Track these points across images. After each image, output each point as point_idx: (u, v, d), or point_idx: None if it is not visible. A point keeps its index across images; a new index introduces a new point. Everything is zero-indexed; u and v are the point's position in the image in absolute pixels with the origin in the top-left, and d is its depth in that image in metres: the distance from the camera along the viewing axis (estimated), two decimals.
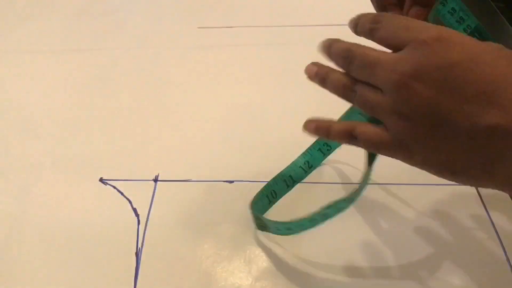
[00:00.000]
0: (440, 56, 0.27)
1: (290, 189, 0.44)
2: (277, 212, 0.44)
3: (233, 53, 0.63)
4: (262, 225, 0.41)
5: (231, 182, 0.47)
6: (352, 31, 0.33)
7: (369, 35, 0.31)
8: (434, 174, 0.29)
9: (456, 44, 0.27)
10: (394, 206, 0.44)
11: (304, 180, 0.46)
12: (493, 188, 0.28)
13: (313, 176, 0.46)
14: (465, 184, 0.29)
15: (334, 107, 0.54)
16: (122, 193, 0.46)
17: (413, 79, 0.27)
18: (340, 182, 0.46)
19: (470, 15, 0.31)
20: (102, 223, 0.44)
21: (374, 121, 0.31)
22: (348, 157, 0.48)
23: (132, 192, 0.46)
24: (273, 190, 0.43)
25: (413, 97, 0.27)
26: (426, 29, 0.28)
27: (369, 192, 0.45)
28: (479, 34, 0.31)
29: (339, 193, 0.45)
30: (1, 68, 0.63)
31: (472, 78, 0.26)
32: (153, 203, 0.45)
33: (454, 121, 0.26)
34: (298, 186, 0.45)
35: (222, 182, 0.47)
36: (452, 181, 0.29)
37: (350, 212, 0.44)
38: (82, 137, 0.52)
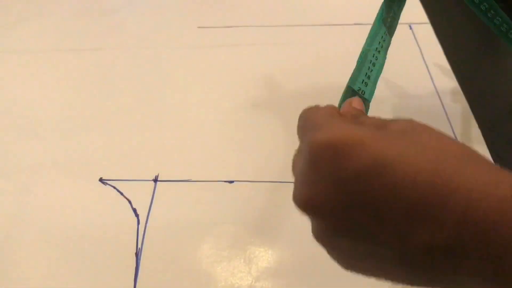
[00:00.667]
0: (335, 170, 0.21)
1: None
2: (277, 212, 0.44)
3: (233, 53, 0.63)
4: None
5: (231, 182, 0.47)
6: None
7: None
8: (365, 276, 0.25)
9: (355, 147, 0.20)
10: None
11: None
12: None
13: None
14: None
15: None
16: (122, 193, 0.46)
17: (313, 209, 0.22)
18: None
19: None
20: (102, 223, 0.44)
21: None
22: None
23: (132, 192, 0.46)
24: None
25: (321, 223, 0.23)
26: (312, 134, 0.22)
27: None
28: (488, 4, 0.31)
29: None
30: (1, 68, 0.63)
31: (385, 188, 0.20)
32: (153, 203, 0.45)
33: (375, 246, 0.21)
34: None
35: (222, 182, 0.47)
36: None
37: None
38: (82, 137, 0.52)
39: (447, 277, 0.20)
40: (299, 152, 0.25)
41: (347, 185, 0.21)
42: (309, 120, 0.26)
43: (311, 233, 0.25)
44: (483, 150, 0.49)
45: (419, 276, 0.21)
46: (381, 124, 0.23)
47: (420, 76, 0.58)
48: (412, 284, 0.22)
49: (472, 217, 0.18)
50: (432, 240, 0.19)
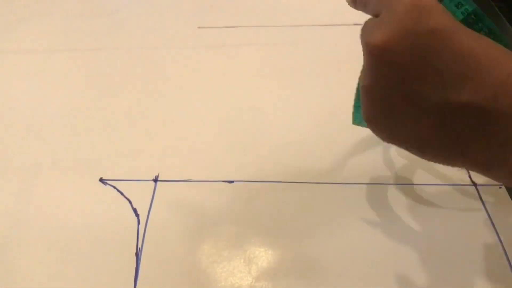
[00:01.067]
0: (415, 22, 0.25)
1: None
2: (277, 212, 0.44)
3: (233, 53, 0.63)
4: None
5: (231, 182, 0.47)
6: (352, 6, 0.32)
7: (363, 7, 0.30)
8: (403, 149, 0.28)
9: (434, 11, 0.25)
10: (392, 206, 0.44)
11: (313, 181, 0.46)
12: (462, 167, 0.28)
13: (321, 176, 0.46)
14: (433, 161, 0.28)
15: (334, 107, 0.54)
16: (122, 193, 0.46)
17: (384, 51, 0.26)
18: (349, 182, 0.46)
19: (469, 0, 0.31)
20: (102, 223, 0.44)
21: None
22: (359, 157, 0.48)
23: (132, 192, 0.46)
24: None
25: (384, 69, 0.26)
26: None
27: (367, 192, 0.45)
28: (475, 16, 0.31)
29: (348, 193, 0.45)
30: (1, 68, 0.63)
31: (448, 47, 0.25)
32: (153, 203, 0.45)
33: (424, 93, 0.25)
34: (302, 186, 0.46)
35: (222, 182, 0.47)
36: (422, 158, 0.28)
37: (348, 212, 0.44)
38: (82, 137, 0.52)
39: (481, 145, 0.25)
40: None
41: (422, 37, 0.25)
42: None
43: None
44: None
45: (455, 141, 0.25)
46: None
47: None
48: (447, 155, 0.26)
49: (510, 85, 0.23)
50: (472, 97, 0.24)
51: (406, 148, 0.28)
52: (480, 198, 0.44)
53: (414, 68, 0.25)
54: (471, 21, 0.32)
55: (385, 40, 0.25)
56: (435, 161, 0.28)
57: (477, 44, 0.25)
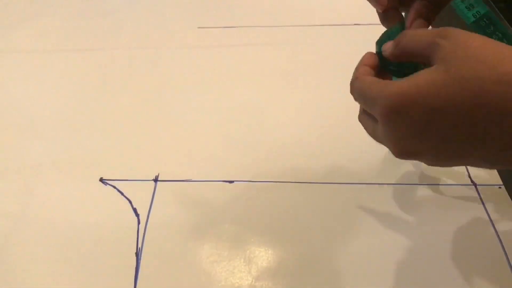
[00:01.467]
0: (410, 120, 0.27)
1: None
2: (277, 212, 0.44)
3: (233, 53, 0.63)
4: None
5: (231, 182, 0.47)
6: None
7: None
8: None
9: (413, 104, 0.27)
10: (391, 206, 0.44)
11: (313, 181, 0.46)
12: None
13: (321, 176, 0.46)
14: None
15: (334, 107, 0.54)
16: (122, 193, 0.46)
17: (411, 157, 0.29)
18: (349, 182, 0.46)
19: (480, 2, 0.31)
20: (102, 223, 0.44)
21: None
22: (359, 157, 0.48)
23: (132, 192, 0.46)
24: None
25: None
26: (376, 103, 0.28)
27: (366, 192, 0.45)
28: (487, 19, 0.31)
29: (347, 193, 0.45)
30: (1, 68, 0.63)
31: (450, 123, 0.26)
32: (153, 203, 0.45)
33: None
34: (303, 186, 0.46)
35: (222, 182, 0.47)
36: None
37: (348, 211, 0.44)
38: (82, 137, 0.52)
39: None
40: (372, 121, 0.31)
41: (421, 123, 0.27)
42: (361, 96, 0.31)
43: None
44: None
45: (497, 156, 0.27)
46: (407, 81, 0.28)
47: None
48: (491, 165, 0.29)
49: None
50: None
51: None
52: (480, 198, 0.44)
53: (442, 142, 0.27)
54: (483, 24, 0.32)
55: (404, 151, 0.29)
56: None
57: (472, 107, 0.26)
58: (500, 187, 0.45)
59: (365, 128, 0.32)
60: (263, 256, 0.41)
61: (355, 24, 0.65)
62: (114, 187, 0.47)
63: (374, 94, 0.29)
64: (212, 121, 0.54)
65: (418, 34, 0.29)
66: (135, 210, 0.45)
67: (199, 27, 0.68)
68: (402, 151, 0.29)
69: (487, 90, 0.25)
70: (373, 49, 0.34)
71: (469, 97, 0.25)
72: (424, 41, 0.28)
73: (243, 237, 0.42)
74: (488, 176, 0.46)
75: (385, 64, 0.33)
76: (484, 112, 0.25)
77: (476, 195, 0.45)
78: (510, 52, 0.26)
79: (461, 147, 0.27)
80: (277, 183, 0.46)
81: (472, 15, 0.31)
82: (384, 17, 0.35)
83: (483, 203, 0.44)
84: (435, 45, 0.27)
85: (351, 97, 0.34)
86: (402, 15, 0.36)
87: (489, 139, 0.26)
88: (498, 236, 0.41)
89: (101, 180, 0.47)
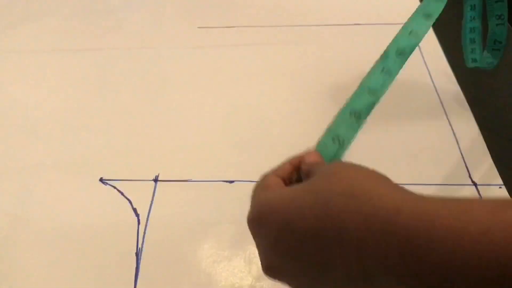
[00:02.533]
0: (264, 235, 0.27)
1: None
2: None
3: (233, 53, 0.63)
4: None
5: (231, 182, 0.47)
6: None
7: None
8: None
9: (268, 216, 0.27)
10: None
11: None
12: None
13: None
14: None
15: (334, 107, 0.54)
16: (122, 193, 0.46)
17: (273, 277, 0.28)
18: None
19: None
20: (102, 223, 0.44)
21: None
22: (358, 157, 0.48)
23: (132, 192, 0.46)
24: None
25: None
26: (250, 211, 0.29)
27: None
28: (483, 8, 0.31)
29: None
30: (1, 68, 0.63)
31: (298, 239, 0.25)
32: (153, 203, 0.45)
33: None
34: None
35: (222, 182, 0.47)
36: None
37: None
38: (82, 137, 0.52)
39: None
40: None
41: (278, 242, 0.26)
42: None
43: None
44: (483, 150, 0.49)
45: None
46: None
47: (421, 77, 0.58)
48: None
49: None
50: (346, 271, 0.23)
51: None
52: (480, 197, 0.44)
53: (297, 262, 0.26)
54: None
55: (265, 268, 0.29)
56: None
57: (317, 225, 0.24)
58: (500, 187, 0.45)
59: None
60: None
61: (355, 24, 0.65)
62: (114, 187, 0.47)
63: (252, 201, 0.29)
64: (212, 121, 0.54)
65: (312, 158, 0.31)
66: (135, 210, 0.45)
67: (199, 27, 0.68)
68: (265, 266, 0.28)
69: (333, 201, 0.24)
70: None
71: (317, 209, 0.24)
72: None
73: (243, 237, 0.42)
74: (488, 176, 0.46)
75: None
76: (327, 229, 0.24)
77: (477, 195, 0.45)
78: (371, 173, 0.27)
79: (312, 268, 0.25)
80: None
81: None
82: None
83: None
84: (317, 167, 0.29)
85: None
86: None
87: (332, 265, 0.24)
88: None
89: (101, 180, 0.47)
